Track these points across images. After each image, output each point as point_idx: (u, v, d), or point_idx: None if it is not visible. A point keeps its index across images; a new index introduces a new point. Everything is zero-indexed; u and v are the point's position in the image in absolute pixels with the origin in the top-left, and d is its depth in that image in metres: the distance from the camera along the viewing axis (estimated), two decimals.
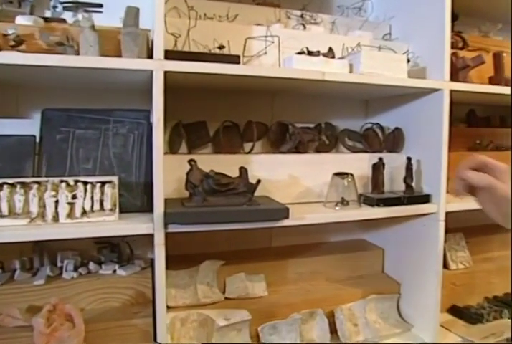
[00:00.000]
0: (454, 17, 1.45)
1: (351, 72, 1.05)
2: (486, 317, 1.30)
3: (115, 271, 1.09)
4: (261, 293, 1.16)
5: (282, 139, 1.16)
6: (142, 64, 0.87)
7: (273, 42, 1.03)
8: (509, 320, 1.33)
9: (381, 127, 1.29)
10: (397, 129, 1.25)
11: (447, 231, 1.43)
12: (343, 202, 1.09)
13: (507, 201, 0.64)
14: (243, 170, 0.97)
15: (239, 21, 1.13)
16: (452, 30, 1.42)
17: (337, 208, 1.07)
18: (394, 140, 1.24)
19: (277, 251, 1.30)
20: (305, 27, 1.18)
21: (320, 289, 1.22)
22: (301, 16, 1.20)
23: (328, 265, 1.29)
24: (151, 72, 0.87)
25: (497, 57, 1.28)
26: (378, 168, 1.11)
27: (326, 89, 1.20)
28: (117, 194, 0.93)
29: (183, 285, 1.11)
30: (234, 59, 0.96)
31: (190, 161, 0.96)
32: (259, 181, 0.97)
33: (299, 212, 1.00)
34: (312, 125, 1.25)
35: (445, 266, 1.37)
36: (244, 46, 1.03)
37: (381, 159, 1.11)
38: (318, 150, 1.21)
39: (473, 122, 1.52)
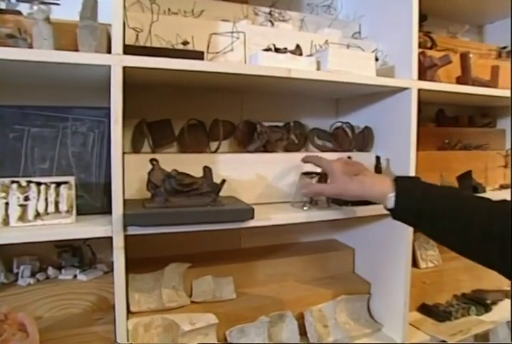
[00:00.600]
0: (423, 17, 1.45)
1: (318, 69, 1.02)
2: (454, 314, 1.30)
3: (75, 276, 1.03)
4: (229, 296, 1.13)
5: (249, 138, 1.12)
6: (99, 58, 0.82)
7: (238, 38, 1.00)
8: (476, 317, 1.33)
9: (351, 127, 1.27)
10: (367, 128, 1.23)
11: (417, 230, 1.44)
12: (312, 202, 1.07)
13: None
14: (207, 170, 0.93)
15: (205, 17, 1.09)
16: (421, 30, 1.42)
17: (305, 208, 1.05)
18: (363, 140, 1.22)
19: (247, 253, 1.27)
20: (273, 24, 1.14)
21: (290, 291, 1.19)
22: (269, 13, 1.17)
23: (298, 266, 1.26)
24: (109, 67, 0.82)
25: (464, 57, 1.28)
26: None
27: (296, 88, 1.18)
28: (74, 195, 0.88)
29: (148, 289, 1.06)
30: (198, 55, 0.92)
31: (152, 161, 0.92)
32: (224, 181, 0.94)
33: (265, 213, 0.97)
34: (281, 124, 1.22)
35: (415, 265, 1.37)
36: (209, 42, 0.99)
37: (350, 158, 1.09)
38: (286, 150, 1.18)
39: (442, 122, 1.53)
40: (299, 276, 1.26)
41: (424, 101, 1.46)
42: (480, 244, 0.73)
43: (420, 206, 0.79)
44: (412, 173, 1.11)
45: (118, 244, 0.85)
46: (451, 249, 0.81)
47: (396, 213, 0.85)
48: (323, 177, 1.00)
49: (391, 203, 0.83)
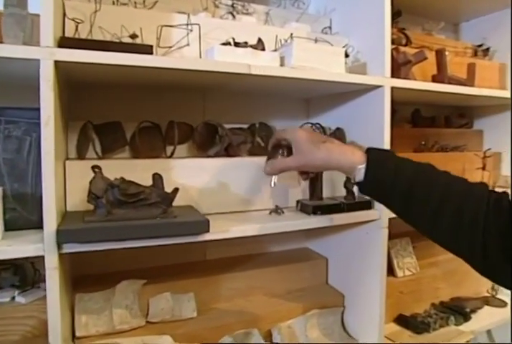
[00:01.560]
0: (398, 13, 1.37)
1: (282, 65, 0.92)
2: (433, 325, 1.21)
3: (13, 298, 0.91)
4: (189, 314, 1.01)
5: (210, 141, 1.01)
6: (25, 51, 0.70)
7: (191, 30, 0.88)
8: (455, 327, 1.25)
9: (322, 128, 1.17)
10: (338, 129, 1.13)
11: (393, 237, 1.35)
12: (277, 210, 0.96)
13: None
14: (157, 177, 0.81)
15: (160, 10, 0.97)
16: (396, 27, 1.33)
17: (270, 217, 0.94)
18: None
19: (211, 265, 1.16)
20: (234, 17, 1.04)
21: (257, 306, 1.09)
22: (232, 5, 1.06)
23: (267, 278, 1.16)
24: (39, 61, 0.70)
25: (440, 54, 1.20)
26: (315, 172, 0.99)
27: (261, 86, 1.07)
28: (2, 208, 0.76)
29: (98, 310, 0.94)
30: (146, 50, 0.81)
31: (94, 168, 0.80)
32: (176, 190, 0.82)
33: (225, 224, 0.86)
34: (245, 126, 1.11)
35: (392, 273, 1.28)
36: (159, 35, 0.87)
37: None
38: (252, 153, 1.07)
39: (418, 122, 1.44)
40: (268, 289, 1.15)
41: (400, 101, 1.38)
42: (452, 231, 0.64)
43: (392, 180, 0.69)
44: None
45: (51, 264, 0.72)
46: (422, 232, 0.71)
47: (365, 187, 0.73)
48: (290, 150, 0.82)
49: (360, 175, 0.72)
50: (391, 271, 1.28)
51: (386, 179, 0.70)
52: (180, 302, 1.02)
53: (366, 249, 1.09)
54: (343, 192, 1.05)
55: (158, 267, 1.11)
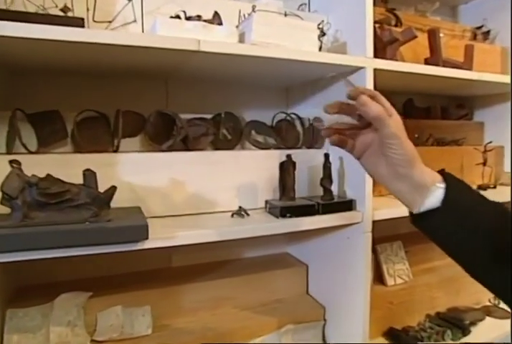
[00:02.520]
0: None
1: (241, 42, 0.77)
2: (427, 340, 1.06)
3: None
4: (143, 331, 0.87)
5: (166, 134, 0.87)
6: None
7: (130, 0, 0.74)
8: (452, 342, 1.10)
9: (299, 118, 1.03)
10: (316, 119, 0.98)
11: (383, 240, 1.20)
12: (241, 212, 0.82)
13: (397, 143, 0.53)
14: (88, 174, 0.68)
15: None
16: (385, 6, 1.19)
17: (231, 220, 0.80)
18: (313, 134, 0.98)
19: (175, 273, 1.02)
20: None
21: (224, 321, 0.94)
22: None
23: (239, 288, 1.01)
24: None
25: (432, 35, 1.05)
26: (286, 168, 0.84)
27: (228, 71, 0.92)
28: None
29: (33, 328, 0.81)
30: (75, 23, 0.67)
31: (12, 162, 0.66)
32: (112, 189, 0.69)
33: (173, 228, 0.72)
34: (209, 116, 0.96)
35: (381, 282, 1.13)
36: (94, 7, 0.74)
37: (289, 156, 0.84)
38: (216, 147, 0.93)
39: (411, 114, 1.29)
40: (238, 301, 1.01)
41: (390, 90, 1.23)
42: None
43: (481, 210, 0.52)
44: None
45: None
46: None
47: (436, 216, 0.52)
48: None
49: (434, 198, 0.52)
50: (380, 279, 1.13)
51: (472, 207, 0.52)
52: (133, 317, 0.88)
53: (348, 256, 0.94)
54: (320, 191, 0.91)
55: (112, 276, 0.97)
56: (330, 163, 0.88)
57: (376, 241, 1.05)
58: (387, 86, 1.10)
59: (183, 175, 0.84)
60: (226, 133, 0.94)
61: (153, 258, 1.04)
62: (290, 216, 0.80)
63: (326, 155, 0.88)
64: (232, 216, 0.82)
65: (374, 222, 0.89)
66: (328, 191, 0.88)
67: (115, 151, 0.82)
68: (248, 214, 0.83)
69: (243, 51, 0.73)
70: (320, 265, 1.05)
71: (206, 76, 0.97)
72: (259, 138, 0.99)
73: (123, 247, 0.66)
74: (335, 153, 0.95)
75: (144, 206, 0.81)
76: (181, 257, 1.07)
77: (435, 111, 1.33)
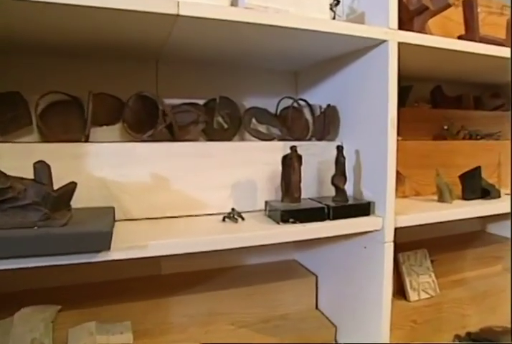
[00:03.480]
0: None
1: (233, 5, 0.62)
2: None
3: None
4: None
5: (149, 121, 0.73)
6: None
7: None
8: None
9: (309, 106, 0.87)
10: (329, 107, 0.83)
11: (406, 248, 1.03)
12: (233, 216, 0.67)
13: None
14: (38, 168, 0.54)
15: None
16: None
17: (221, 225, 0.65)
18: (324, 123, 0.82)
19: (165, 283, 0.88)
20: None
21: (219, 340, 0.80)
22: None
23: (236, 302, 0.87)
24: None
25: (468, 6, 0.87)
26: (290, 163, 0.69)
27: (231, 52, 0.78)
28: None
29: None
30: None
31: None
32: (71, 185, 0.55)
33: (147, 235, 0.58)
34: (201, 102, 0.82)
35: (404, 296, 0.97)
36: None
37: (294, 149, 0.69)
38: (210, 138, 0.79)
39: (440, 102, 1.11)
40: (235, 316, 0.86)
41: (415, 76, 1.07)
42: None
43: None
44: (392, 172, 0.70)
45: None
46: None
47: None
48: None
49: None
50: (402, 293, 0.97)
51: None
52: (109, 335, 0.75)
53: (364, 268, 0.78)
54: (332, 191, 0.75)
55: (87, 285, 0.83)
56: (344, 158, 0.73)
57: (397, 248, 0.89)
58: (413, 68, 0.94)
59: (167, 171, 0.70)
60: (221, 121, 0.79)
61: (139, 264, 0.90)
62: (294, 222, 0.65)
63: (339, 148, 0.73)
64: (224, 219, 0.67)
65: (397, 229, 0.72)
66: (340, 191, 0.72)
67: (87, 141, 0.68)
68: (243, 218, 0.68)
69: (234, 16, 0.57)
70: (332, 276, 0.90)
71: (200, 55, 0.82)
72: (261, 128, 0.84)
73: (78, 259, 0.52)
74: (351, 146, 0.79)
75: (119, 207, 0.67)
76: (172, 264, 0.93)
77: (467, 100, 1.15)
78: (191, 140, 0.73)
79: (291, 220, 0.65)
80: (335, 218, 0.68)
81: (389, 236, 0.71)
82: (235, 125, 0.81)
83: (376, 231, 0.71)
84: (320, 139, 0.83)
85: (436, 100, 1.12)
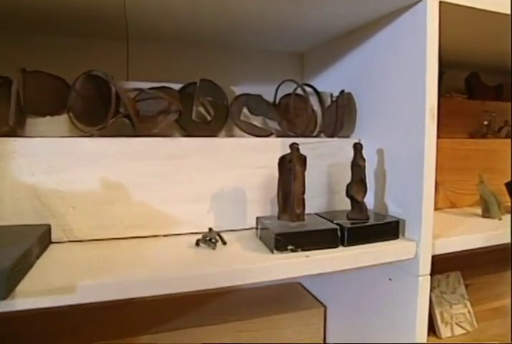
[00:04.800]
0: None
1: None
2: None
3: None
4: None
5: (102, 110, 0.54)
6: None
7: None
8: None
9: (318, 93, 0.68)
10: (343, 94, 0.63)
11: (436, 271, 0.83)
12: (210, 238, 0.48)
13: None
14: None
15: None
16: None
17: (192, 252, 0.46)
18: (336, 115, 0.62)
19: (131, 314, 0.69)
20: None
21: None
22: None
23: (226, 339, 0.68)
24: None
25: None
26: (290, 167, 0.49)
27: (222, 22, 0.59)
28: None
29: None
30: None
31: None
32: None
33: (81, 269, 0.40)
34: (178, 86, 0.63)
35: (433, 332, 0.76)
36: None
37: (294, 147, 0.49)
38: (188, 133, 0.60)
39: (476, 93, 0.91)
40: None
41: (448, 61, 0.86)
42: None
43: None
44: (429, 178, 0.51)
45: None
46: None
47: None
48: None
49: None
50: (431, 328, 0.77)
51: None
52: None
53: (389, 304, 0.58)
54: (347, 204, 0.55)
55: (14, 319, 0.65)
56: (363, 160, 0.53)
57: None
58: (447, 47, 0.74)
59: (125, 176, 0.51)
60: (203, 112, 0.60)
61: None
62: (293, 250, 0.46)
63: (357, 147, 0.53)
64: (197, 244, 0.48)
65: (435, 257, 0.53)
66: (358, 206, 0.53)
67: (13, 135, 0.50)
68: (224, 242, 0.49)
69: None
70: (345, 310, 0.70)
71: (176, 31, 0.63)
72: (255, 121, 0.64)
73: None
74: (372, 144, 0.59)
75: (58, 224, 0.49)
76: None
77: (509, 90, 0.94)
78: (157, 135, 0.54)
79: (290, 247, 0.46)
80: (351, 243, 0.49)
81: (425, 267, 0.51)
82: (221, 116, 0.62)
83: (408, 260, 0.52)
84: (331, 135, 0.63)
85: (472, 90, 0.91)
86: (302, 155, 0.50)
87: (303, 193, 0.50)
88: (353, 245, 0.49)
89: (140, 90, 0.56)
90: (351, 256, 0.47)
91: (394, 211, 0.55)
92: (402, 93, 0.54)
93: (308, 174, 0.55)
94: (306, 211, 0.54)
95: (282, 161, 0.50)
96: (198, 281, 0.41)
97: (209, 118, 0.61)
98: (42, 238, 0.46)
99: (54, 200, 0.49)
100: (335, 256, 0.47)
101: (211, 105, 0.61)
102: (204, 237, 0.48)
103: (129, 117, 0.53)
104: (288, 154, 0.49)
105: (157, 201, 0.53)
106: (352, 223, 0.50)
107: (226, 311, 0.72)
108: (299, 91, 0.66)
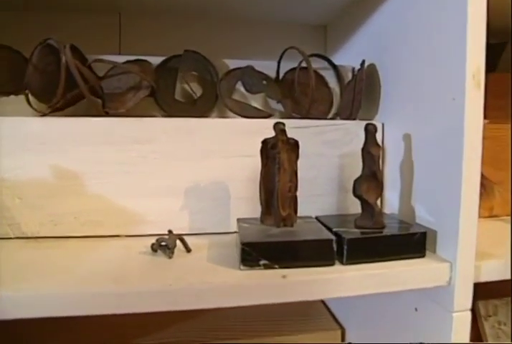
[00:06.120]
0: None
1: None
2: None
3: None
4: None
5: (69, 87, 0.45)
6: None
7: None
8: None
9: (334, 67, 0.54)
10: (364, 66, 0.48)
11: (486, 291, 0.65)
12: (166, 245, 0.37)
13: None
14: None
15: None
16: None
17: (148, 260, 0.36)
18: (355, 92, 0.48)
19: (114, 330, 0.60)
20: None
21: None
22: None
23: None
24: None
25: None
26: (272, 155, 0.37)
27: None
28: None
29: None
30: None
31: None
32: None
33: (13, 274, 0.31)
34: (161, 59, 0.52)
35: None
36: None
37: (278, 127, 0.36)
38: (170, 114, 0.49)
39: None
40: None
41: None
42: None
43: None
44: (471, 173, 0.35)
45: None
46: None
47: None
48: None
49: None
50: None
51: None
52: None
53: (416, 338, 0.43)
54: (357, 207, 0.41)
55: None
56: (378, 147, 0.38)
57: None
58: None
59: (81, 163, 0.42)
60: (188, 89, 0.49)
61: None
62: (268, 266, 0.33)
63: (369, 129, 0.38)
64: (154, 249, 0.37)
65: (478, 285, 0.37)
66: (369, 209, 0.38)
67: None
68: (188, 249, 0.38)
69: None
70: (366, 336, 0.55)
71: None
72: (253, 100, 0.52)
73: None
74: (401, 129, 0.44)
75: (3, 217, 0.41)
76: None
77: None
78: (125, 116, 0.44)
79: (262, 262, 0.33)
80: (353, 261, 0.35)
81: (464, 299, 0.36)
82: (210, 95, 0.50)
83: (438, 288, 0.36)
84: (347, 118, 0.49)
85: None
86: (290, 138, 0.37)
87: (292, 189, 0.37)
88: (356, 263, 0.35)
89: (114, 65, 0.47)
90: (350, 279, 0.34)
91: (424, 218, 0.40)
92: (441, 58, 0.39)
93: (312, 166, 0.42)
94: (305, 214, 0.42)
95: (264, 147, 0.37)
96: (119, 301, 0.30)
97: (195, 97, 0.50)
98: None
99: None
100: (327, 279, 0.33)
101: (197, 81, 0.50)
102: (159, 242, 0.37)
103: (96, 94, 0.43)
104: (272, 138, 0.37)
105: (118, 195, 0.43)
106: (354, 234, 0.36)
107: (221, 326, 0.61)
108: (317, 64, 0.52)
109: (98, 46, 0.53)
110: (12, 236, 0.43)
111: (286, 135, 0.36)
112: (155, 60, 0.50)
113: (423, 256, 0.37)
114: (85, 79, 0.42)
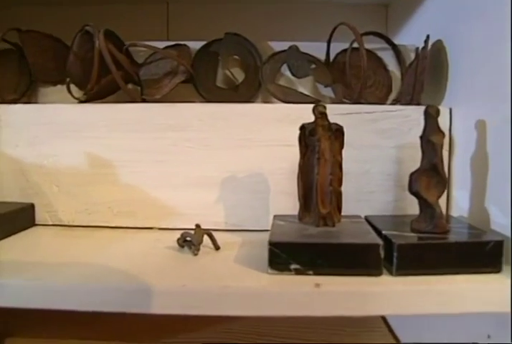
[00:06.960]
0: None
1: None
2: None
3: None
4: None
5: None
6: None
7: None
8: None
9: (395, 47, 0.46)
10: (428, 44, 0.41)
11: None
12: (191, 242, 0.33)
13: None
14: None
15: None
16: None
17: (176, 255, 0.32)
18: (416, 74, 0.41)
19: (126, 331, 0.58)
20: None
21: None
22: None
23: None
24: None
25: None
26: (311, 143, 0.31)
27: None
28: None
29: None
30: None
31: None
32: None
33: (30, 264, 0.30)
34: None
35: None
36: None
37: (318, 109, 0.30)
38: (210, 98, 0.45)
39: None
40: None
41: None
42: None
43: None
44: None
45: None
46: None
47: None
48: None
49: None
50: None
51: None
52: None
53: None
54: (415, 207, 0.34)
55: None
56: (441, 134, 0.31)
57: None
58: None
59: (111, 151, 0.40)
60: (229, 74, 0.45)
61: None
62: (300, 271, 0.28)
63: (430, 113, 0.31)
64: (180, 245, 0.34)
65: None
66: (429, 209, 0.31)
67: None
68: (216, 246, 0.34)
69: None
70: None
71: None
72: (300, 85, 0.46)
73: None
74: (470, 116, 0.36)
75: (42, 204, 0.41)
76: None
77: None
78: (161, 102, 0.41)
79: (293, 266, 0.28)
80: (405, 271, 0.28)
81: None
82: (254, 80, 0.46)
83: None
84: (408, 103, 0.42)
85: None
86: (333, 124, 0.31)
87: (335, 183, 0.32)
88: (410, 275, 0.28)
89: (154, 51, 0.44)
90: (400, 294, 0.27)
91: (501, 222, 0.32)
92: None
93: (363, 158, 0.36)
94: (351, 212, 0.36)
95: (302, 134, 0.32)
96: (126, 299, 0.27)
97: (237, 83, 0.46)
98: (14, 217, 0.38)
99: (37, 176, 0.41)
100: (370, 292, 0.27)
101: (239, 66, 0.46)
102: (184, 237, 0.34)
103: (132, 81, 0.41)
104: (310, 123, 0.31)
105: (150, 185, 0.40)
106: (414, 238, 0.29)
107: (268, 331, 0.56)
108: (375, 45, 0.45)
109: (148, 35, 0.52)
110: (50, 223, 0.42)
111: (328, 119, 0.31)
112: (196, 45, 0.47)
113: (498, 271, 0.29)
114: (120, 65, 0.40)
